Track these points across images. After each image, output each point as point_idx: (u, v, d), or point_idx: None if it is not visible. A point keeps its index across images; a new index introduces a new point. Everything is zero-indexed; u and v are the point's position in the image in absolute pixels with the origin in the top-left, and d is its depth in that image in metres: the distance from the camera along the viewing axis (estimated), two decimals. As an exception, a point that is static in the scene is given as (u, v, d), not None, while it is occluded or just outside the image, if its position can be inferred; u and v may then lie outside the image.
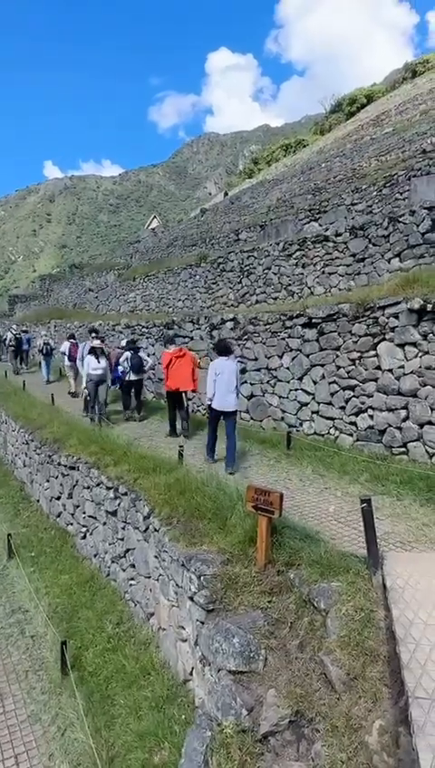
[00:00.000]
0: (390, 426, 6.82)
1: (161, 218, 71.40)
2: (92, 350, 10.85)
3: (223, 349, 7.66)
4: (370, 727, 2.78)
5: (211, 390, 7.39)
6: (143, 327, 14.23)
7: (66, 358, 14.61)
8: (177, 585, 4.84)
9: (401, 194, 13.47)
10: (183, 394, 9.44)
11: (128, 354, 10.86)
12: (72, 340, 14.68)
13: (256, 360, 9.57)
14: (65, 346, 14.61)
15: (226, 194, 48.38)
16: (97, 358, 10.72)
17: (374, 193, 14.60)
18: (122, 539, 6.66)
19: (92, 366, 10.69)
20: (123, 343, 12.06)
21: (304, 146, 51.68)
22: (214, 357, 8.17)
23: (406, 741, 2.49)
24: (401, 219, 10.55)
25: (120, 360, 11.02)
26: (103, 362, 10.78)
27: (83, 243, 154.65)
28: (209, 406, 7.52)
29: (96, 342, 11.16)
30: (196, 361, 9.67)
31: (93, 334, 12.06)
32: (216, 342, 8.66)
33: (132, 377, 10.89)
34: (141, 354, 11.13)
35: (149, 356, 11.78)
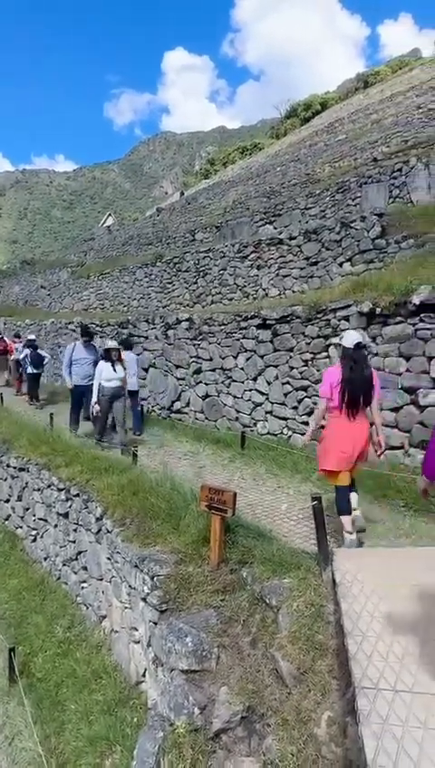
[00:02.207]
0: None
1: (117, 216, 70.39)
2: (107, 354, 8.14)
3: (127, 345, 9.62)
4: (319, 719, 2.84)
5: None
6: (97, 326, 14.01)
7: None
8: (130, 586, 4.80)
9: (353, 200, 13.87)
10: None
11: (27, 351, 12.65)
12: None
13: (210, 360, 9.61)
14: None
15: (182, 194, 48.31)
16: (113, 364, 8.02)
17: (327, 198, 14.96)
18: (74, 541, 6.54)
19: (106, 375, 7.98)
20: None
21: (260, 149, 52.30)
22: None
23: (353, 730, 2.56)
24: (352, 225, 10.86)
25: (21, 357, 13.18)
26: (121, 371, 8.14)
27: (35, 238, 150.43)
28: None
29: (111, 343, 8.45)
30: None
31: (85, 337, 9.50)
32: (122, 339, 10.26)
33: (33, 370, 12.65)
34: (39, 351, 12.86)
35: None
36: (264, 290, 12.97)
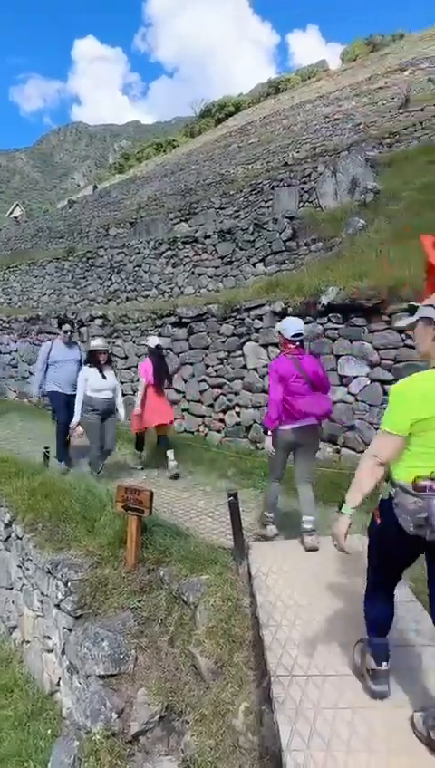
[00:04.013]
0: (255, 422, 7.18)
1: (25, 207, 67.11)
2: (92, 357, 6.21)
3: None
4: (236, 711, 2.90)
5: None
6: (4, 322, 13.29)
7: None
8: (42, 594, 4.61)
9: (266, 202, 14.24)
10: None
11: None
12: None
13: (126, 358, 9.46)
14: None
15: (95, 187, 47.00)
16: (101, 370, 6.12)
17: (241, 199, 15.24)
18: (-20, 550, 6.16)
19: (94, 384, 6.05)
20: None
21: (175, 146, 52.21)
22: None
23: (269, 718, 2.65)
24: (265, 226, 11.15)
25: None
26: (112, 378, 6.24)
27: None
28: None
29: (97, 343, 6.44)
30: None
31: (66, 330, 7.14)
32: None
33: None
34: None
35: None
36: (179, 288, 12.96)
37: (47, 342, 7.32)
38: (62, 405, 6.70)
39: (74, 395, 6.40)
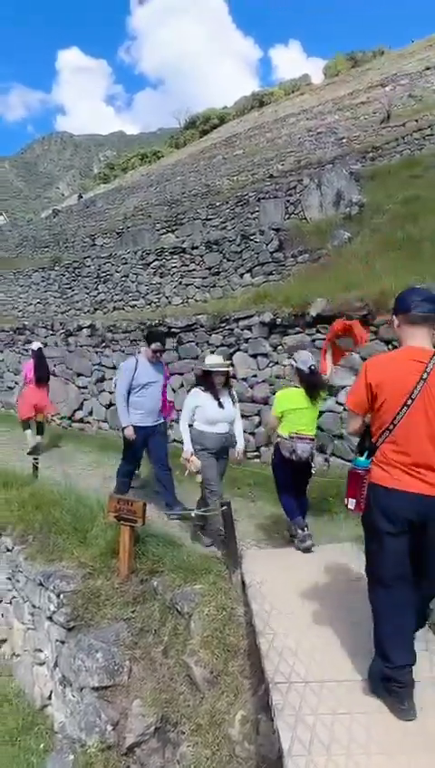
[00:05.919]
0: (244, 431, 7.21)
1: (9, 216, 66.72)
2: (206, 379, 4.58)
3: None
4: (232, 720, 2.92)
5: None
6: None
7: None
8: (33, 606, 4.57)
9: (252, 213, 14.40)
10: None
11: None
12: None
13: (114, 368, 9.43)
14: None
15: (80, 196, 46.97)
16: (217, 396, 4.50)
17: (227, 210, 15.40)
18: (-32, 563, 6.08)
19: (209, 415, 4.49)
20: None
21: (160, 157, 52.52)
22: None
23: (266, 726, 2.67)
24: (251, 238, 11.28)
25: None
26: (230, 407, 4.59)
27: None
28: None
29: (214, 359, 4.92)
30: None
31: (156, 347, 5.51)
32: None
33: None
34: None
35: None
36: (167, 298, 13.02)
37: (130, 359, 5.71)
38: (139, 441, 5.33)
39: (156, 426, 5.44)
